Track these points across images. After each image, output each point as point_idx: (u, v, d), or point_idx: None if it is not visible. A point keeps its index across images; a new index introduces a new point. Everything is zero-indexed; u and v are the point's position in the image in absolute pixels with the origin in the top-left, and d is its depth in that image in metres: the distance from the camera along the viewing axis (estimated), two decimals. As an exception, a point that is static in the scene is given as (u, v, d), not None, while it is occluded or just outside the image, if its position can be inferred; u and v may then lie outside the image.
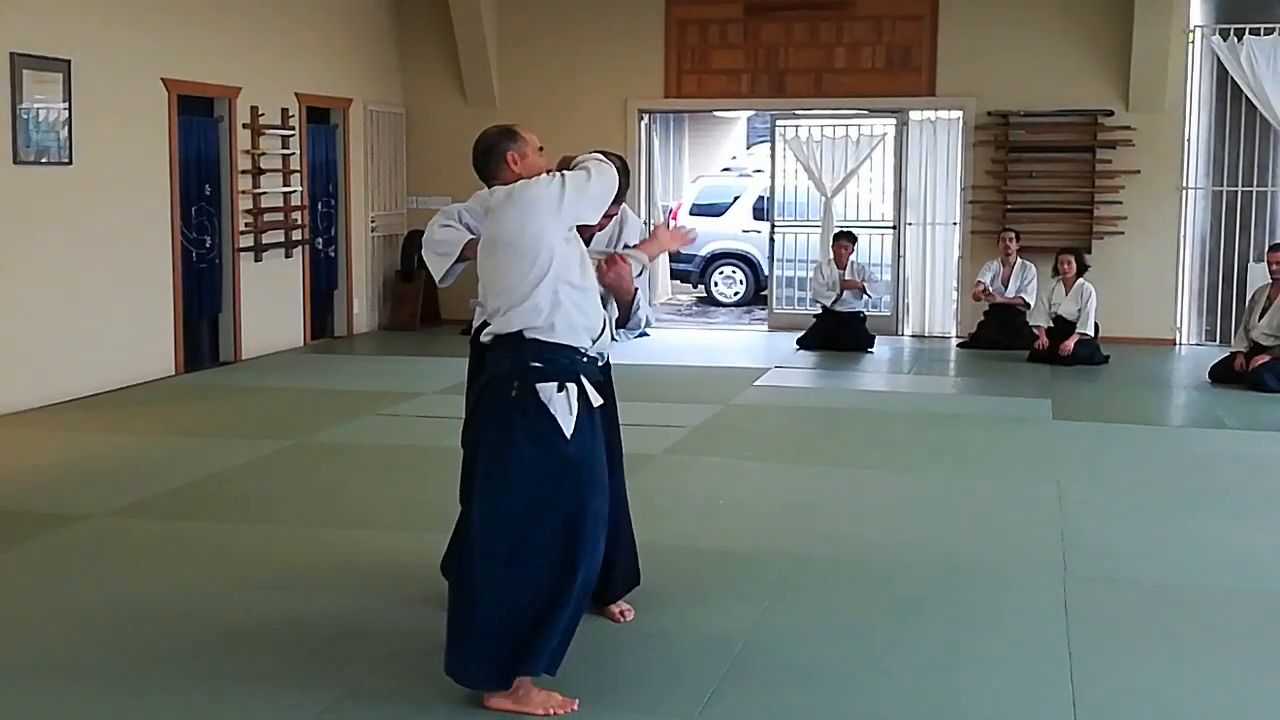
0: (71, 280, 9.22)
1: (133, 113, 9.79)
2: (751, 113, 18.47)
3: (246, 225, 11.09)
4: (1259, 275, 11.08)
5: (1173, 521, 6.23)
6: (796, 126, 13.51)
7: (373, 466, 7.38)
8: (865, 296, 12.18)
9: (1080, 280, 11.34)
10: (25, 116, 8.73)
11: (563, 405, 3.93)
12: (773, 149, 13.76)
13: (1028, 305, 11.86)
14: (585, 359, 4.03)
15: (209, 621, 4.74)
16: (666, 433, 7.86)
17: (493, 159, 4.10)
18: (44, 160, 8.94)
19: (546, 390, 3.93)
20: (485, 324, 4.10)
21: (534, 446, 3.90)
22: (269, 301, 11.46)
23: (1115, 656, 4.43)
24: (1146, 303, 12.41)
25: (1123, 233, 12.30)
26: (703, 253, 16.58)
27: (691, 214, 16.94)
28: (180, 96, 10.27)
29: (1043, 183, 12.50)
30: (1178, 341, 12.47)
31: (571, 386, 3.95)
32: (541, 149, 4.17)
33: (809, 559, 5.50)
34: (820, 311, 12.25)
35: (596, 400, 4.02)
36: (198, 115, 10.65)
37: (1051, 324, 11.35)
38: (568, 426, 3.93)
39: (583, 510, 3.94)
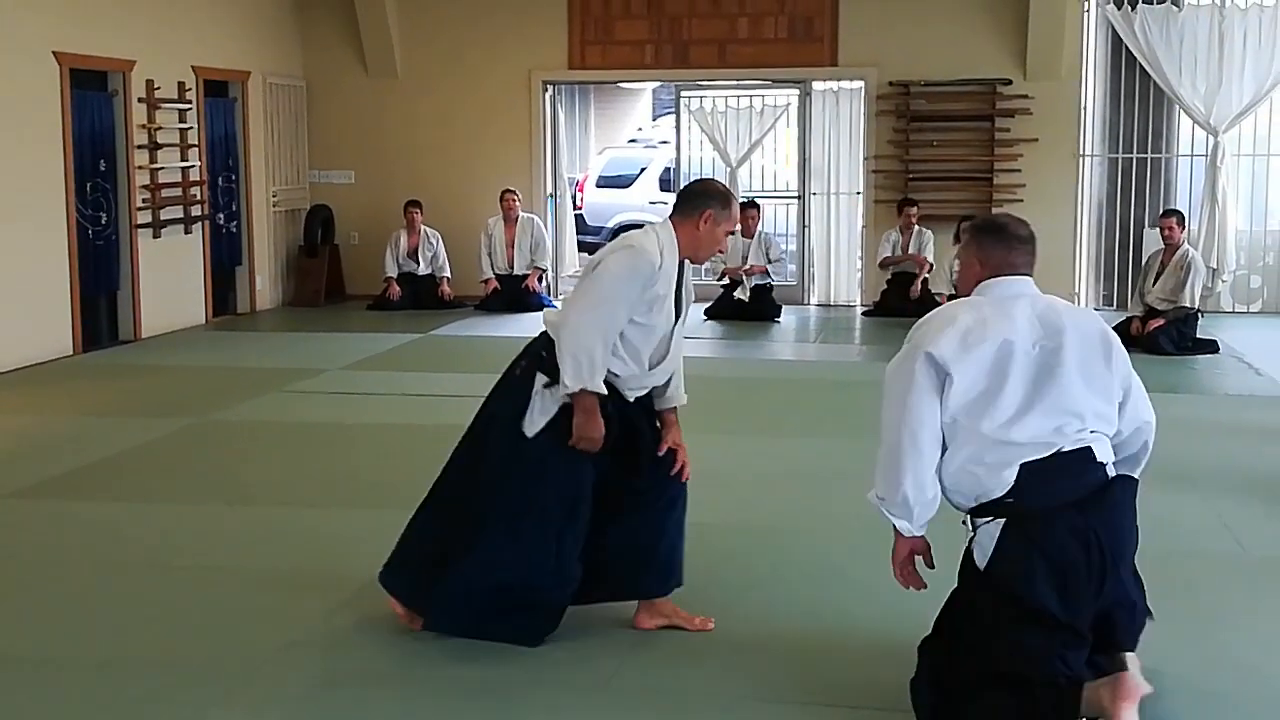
0: (-38, 259, 9.00)
1: (23, 87, 9.54)
2: (657, 84, 18.46)
3: (144, 201, 10.88)
4: (1153, 241, 11.31)
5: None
6: (701, 97, 13.54)
7: (276, 444, 7.30)
8: (769, 279, 12.24)
9: (981, 247, 11.46)
10: (-90, 91, 8.49)
11: (542, 401, 4.07)
12: (678, 120, 13.79)
13: (929, 263, 11.99)
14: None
15: (109, 603, 4.67)
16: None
17: (695, 204, 4.17)
18: (-70, 136, 8.71)
19: (540, 379, 4.09)
20: None
21: (509, 421, 4.11)
22: (169, 278, 11.26)
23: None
24: (1045, 268, 12.27)
25: (1022, 200, 12.46)
26: (610, 224, 16.58)
27: (598, 185, 16.94)
28: (72, 70, 10.03)
29: (943, 151, 12.65)
30: (1077, 304, 12.68)
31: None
32: (731, 233, 4.27)
33: (716, 527, 5.53)
34: (727, 282, 12.30)
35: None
36: (91, 89, 10.41)
37: (954, 291, 11.45)
38: (533, 425, 4.07)
39: (502, 508, 4.11)
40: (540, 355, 4.14)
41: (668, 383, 4.29)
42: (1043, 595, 3.37)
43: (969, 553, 3.56)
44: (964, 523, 3.58)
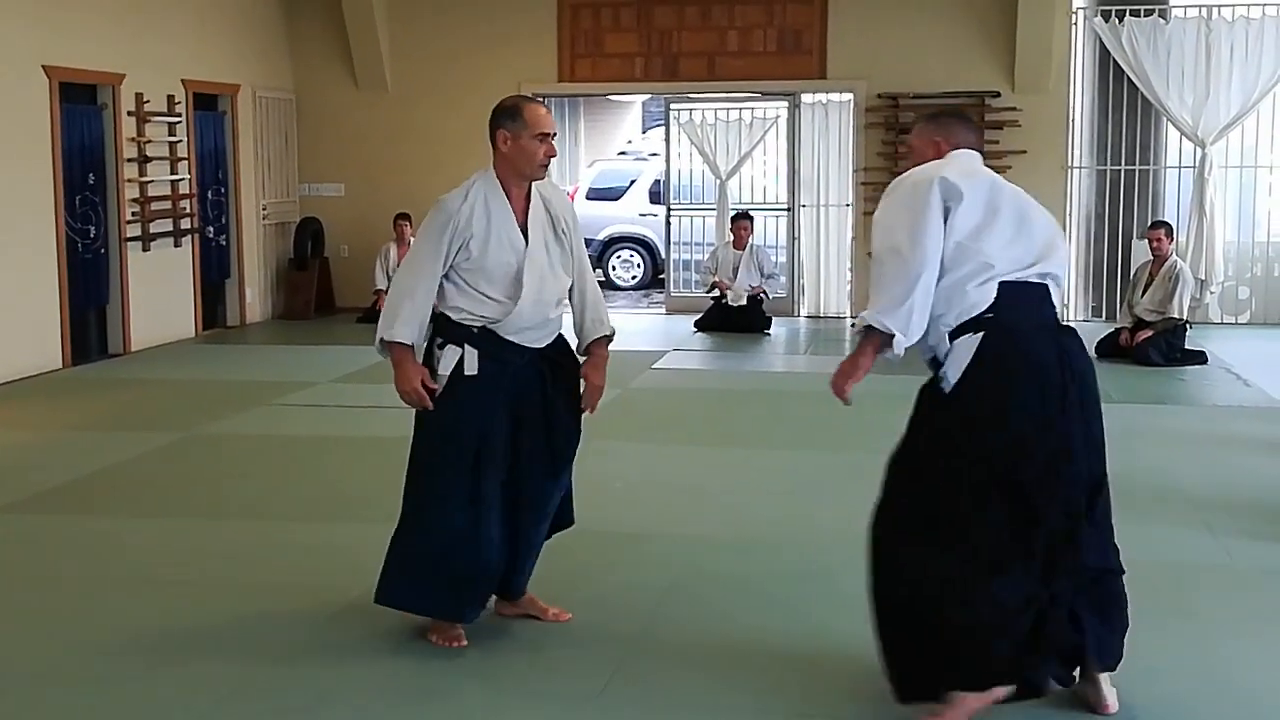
0: (-49, 273, 8.98)
1: (12, 100, 9.54)
2: (646, 96, 18.49)
3: (134, 215, 10.87)
4: (1142, 252, 11.34)
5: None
6: (691, 110, 13.56)
7: (265, 458, 7.29)
8: (764, 296, 12.24)
9: (970, 259, 11.49)
10: (-102, 105, 8.48)
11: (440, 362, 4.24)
12: (667, 132, 13.81)
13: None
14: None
15: (97, 618, 4.66)
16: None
17: (490, 134, 4.23)
18: (-81, 150, 8.69)
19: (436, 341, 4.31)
20: None
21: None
22: (158, 292, 11.25)
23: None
24: (1035, 281, 12.60)
25: (1011, 212, 12.49)
26: (600, 237, 16.58)
27: (588, 198, 16.93)
28: (62, 84, 10.03)
29: (933, 164, 12.65)
30: (1064, 318, 12.71)
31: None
32: (545, 135, 4.22)
33: (707, 539, 5.54)
34: (717, 294, 12.31)
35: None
36: (80, 103, 10.41)
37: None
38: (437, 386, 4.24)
39: (412, 473, 4.35)
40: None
41: (585, 318, 4.42)
42: (1025, 391, 3.60)
43: (931, 393, 3.74)
44: (931, 360, 3.75)
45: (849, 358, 3.90)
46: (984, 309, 3.65)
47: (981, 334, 3.63)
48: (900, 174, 3.93)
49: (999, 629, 3.58)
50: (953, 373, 3.66)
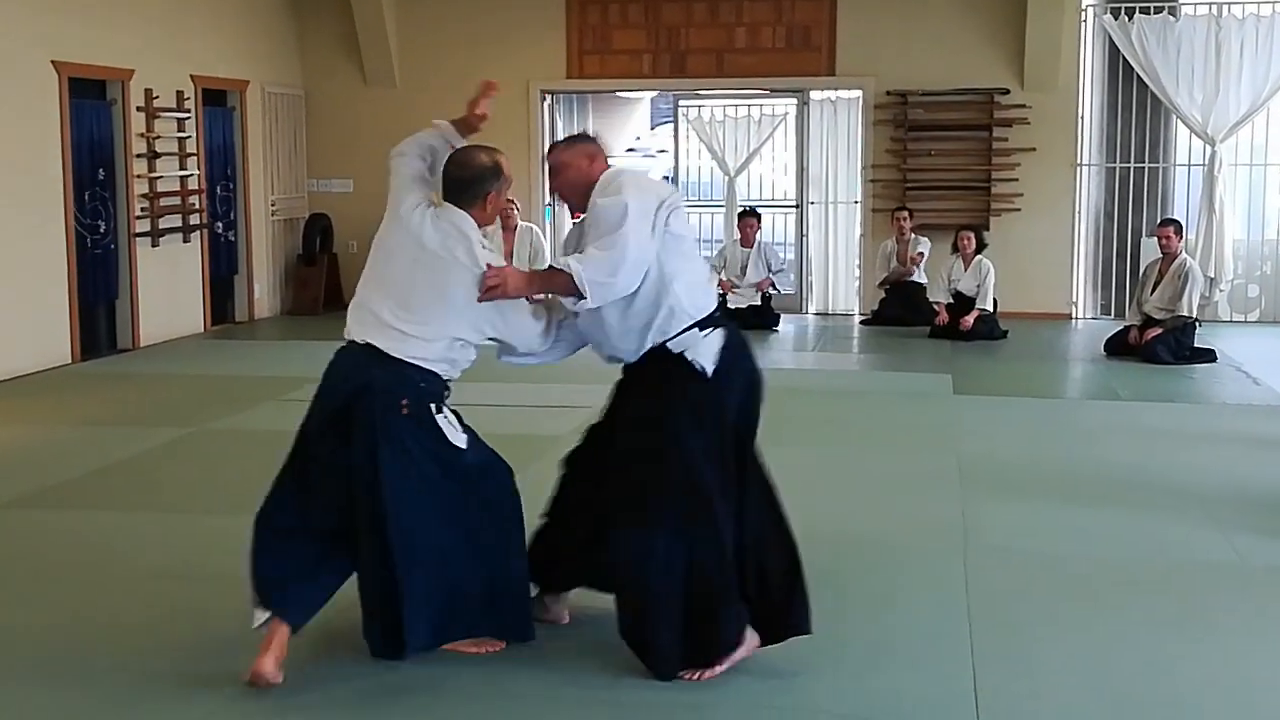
0: (-40, 268, 9.00)
1: (22, 96, 9.55)
2: (654, 93, 18.46)
3: (143, 210, 10.89)
4: (1151, 250, 11.33)
5: (1071, 493, 6.35)
6: (699, 107, 13.55)
7: (273, 453, 7.27)
8: (773, 291, 12.21)
9: (979, 257, 11.50)
10: (-92, 100, 8.49)
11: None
12: (676, 129, 13.80)
13: (921, 255, 12.01)
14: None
15: (105, 613, 4.67)
16: (573, 413, 7.86)
17: (473, 190, 4.12)
18: (-71, 145, 8.71)
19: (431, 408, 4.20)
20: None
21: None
22: (167, 287, 11.27)
23: (1013, 626, 4.52)
24: (1043, 278, 12.62)
25: (1019, 209, 12.49)
26: (608, 233, 16.57)
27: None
28: (71, 79, 10.04)
29: (941, 161, 12.66)
30: (1074, 316, 12.71)
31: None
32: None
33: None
34: (721, 295, 12.27)
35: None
36: (90, 98, 10.43)
37: (951, 300, 11.51)
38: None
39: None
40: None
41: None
42: (741, 396, 4.18)
43: (683, 371, 4.04)
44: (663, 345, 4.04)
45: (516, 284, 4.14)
46: (713, 308, 4.28)
47: (721, 331, 4.22)
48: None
49: None
50: (707, 364, 4.10)
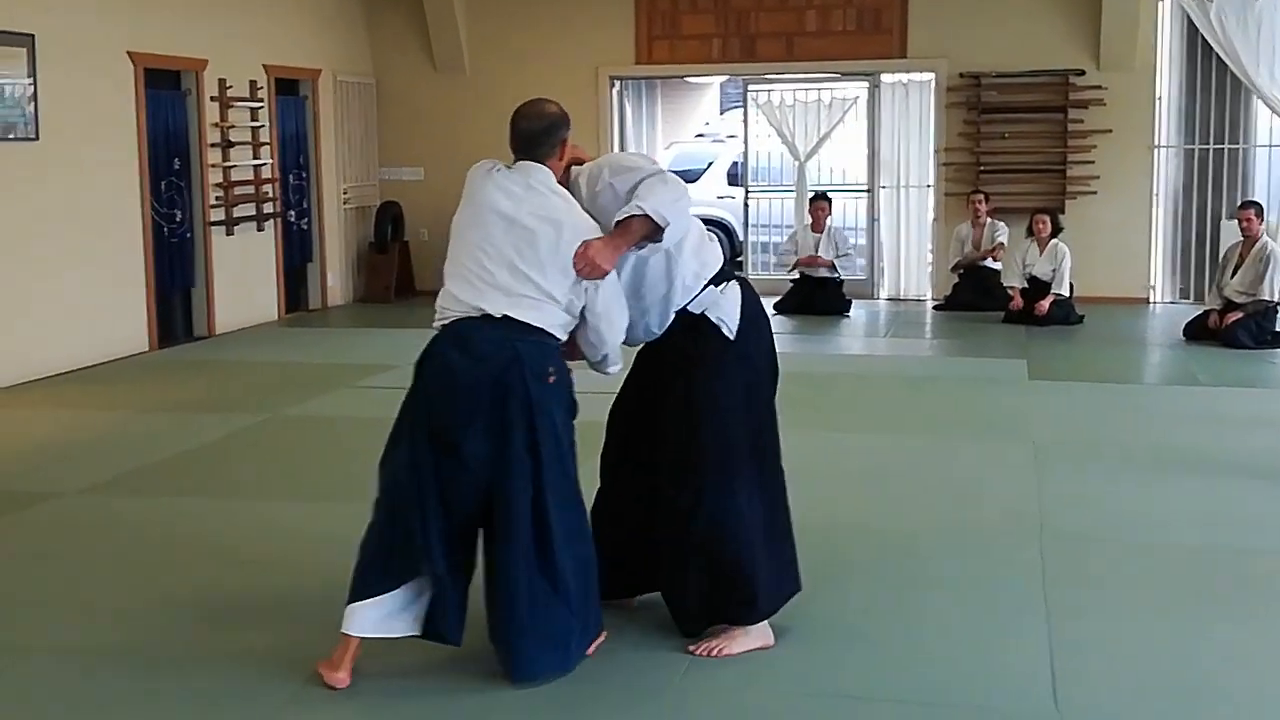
0: (42, 257, 9.14)
1: (99, 87, 9.69)
2: (724, 78, 18.40)
3: (217, 199, 11.01)
4: (1231, 232, 11.12)
5: (1148, 479, 6.26)
6: (769, 91, 13.48)
7: (346, 440, 7.35)
8: (836, 273, 12.13)
9: (1054, 241, 11.35)
10: (-11, 92, 8.64)
11: None
12: (745, 114, 13.74)
13: (1002, 246, 11.86)
14: None
15: (182, 597, 4.73)
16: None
17: (551, 139, 3.98)
18: (10, 136, 8.85)
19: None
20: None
21: None
22: (242, 275, 11.39)
23: (1091, 614, 4.46)
24: (1120, 262, 12.44)
25: (1095, 192, 12.31)
26: (677, 219, 16.55)
27: (665, 180, 16.91)
28: (147, 70, 10.17)
29: (1015, 144, 12.50)
30: (1151, 300, 12.51)
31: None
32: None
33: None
34: (797, 276, 12.23)
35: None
36: (165, 88, 10.55)
37: (1026, 285, 11.37)
38: None
39: None
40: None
41: None
42: (759, 352, 4.15)
43: (707, 334, 4.02)
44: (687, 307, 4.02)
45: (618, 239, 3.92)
46: (725, 258, 4.24)
47: (736, 284, 4.19)
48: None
49: None
50: (728, 326, 4.10)
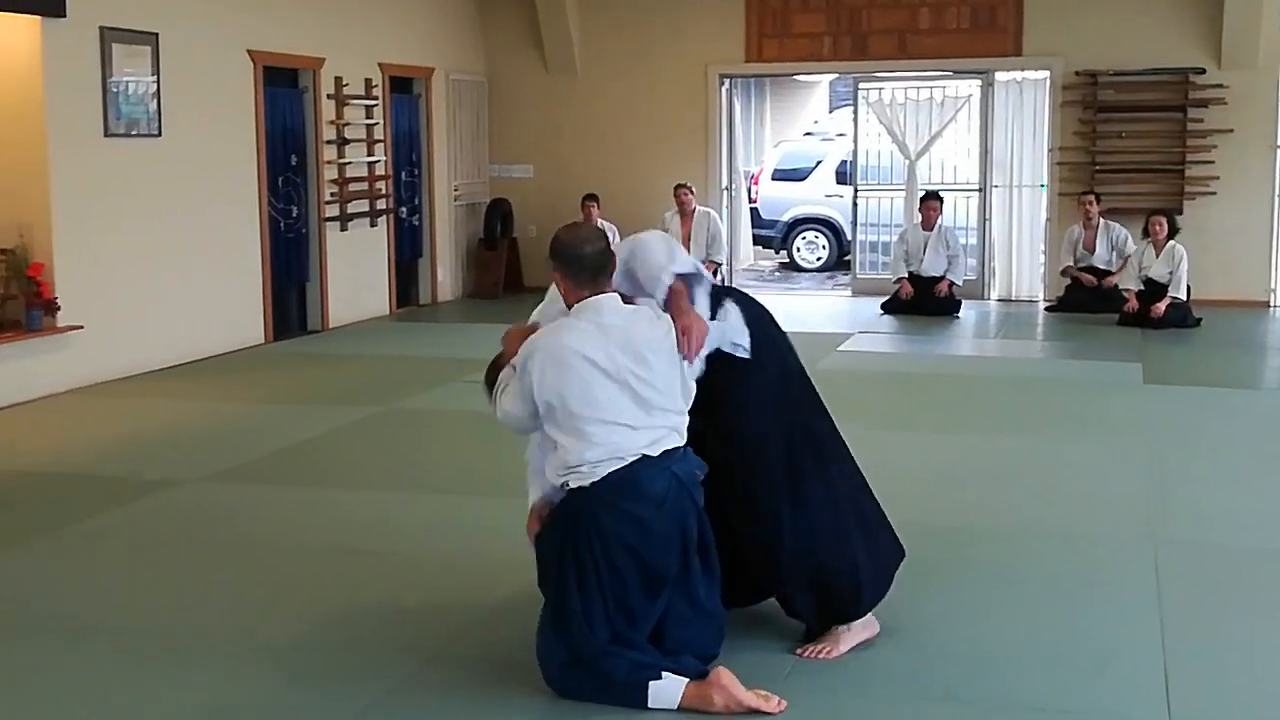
0: (163, 251, 9.37)
1: (219, 84, 9.91)
2: (834, 76, 18.31)
3: (332, 195, 11.21)
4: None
5: (1266, 486, 6.12)
6: (879, 89, 13.38)
7: (455, 433, 7.45)
8: (953, 285, 11.98)
9: (1171, 242, 11.13)
10: (115, 90, 8.87)
11: None
12: (855, 112, 13.65)
13: (1124, 259, 11.63)
14: None
15: (296, 586, 4.82)
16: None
17: (610, 264, 3.91)
18: (134, 133, 9.09)
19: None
20: None
21: None
22: (355, 270, 11.58)
23: (1207, 622, 4.38)
24: (1240, 264, 12.16)
25: (1215, 193, 12.05)
26: (785, 218, 16.51)
27: (774, 179, 16.87)
28: (265, 68, 10.38)
29: (1132, 143, 12.28)
30: (1272, 304, 12.21)
31: None
32: None
33: (896, 526, 5.46)
34: (905, 275, 12.12)
35: None
36: (283, 86, 10.76)
37: (1142, 287, 11.16)
38: None
39: None
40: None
41: None
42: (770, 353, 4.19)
43: (725, 362, 4.00)
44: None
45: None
46: None
47: None
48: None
49: None
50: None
